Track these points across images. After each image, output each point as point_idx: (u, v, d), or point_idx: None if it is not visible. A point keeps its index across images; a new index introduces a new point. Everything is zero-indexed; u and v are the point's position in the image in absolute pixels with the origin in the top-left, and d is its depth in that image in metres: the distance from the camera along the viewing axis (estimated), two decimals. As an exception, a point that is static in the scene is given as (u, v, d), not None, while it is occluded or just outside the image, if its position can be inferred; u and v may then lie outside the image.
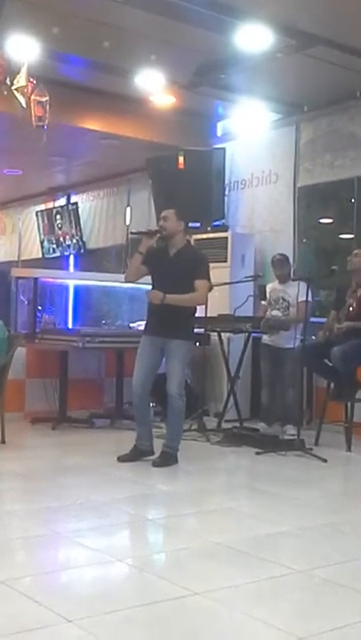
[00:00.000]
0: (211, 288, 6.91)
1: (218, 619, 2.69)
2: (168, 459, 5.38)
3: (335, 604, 2.89)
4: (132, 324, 7.80)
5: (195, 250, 5.75)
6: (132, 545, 3.86)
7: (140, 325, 7.44)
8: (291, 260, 7.29)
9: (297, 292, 6.57)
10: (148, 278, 5.55)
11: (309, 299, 6.50)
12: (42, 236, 12.31)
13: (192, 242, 8.18)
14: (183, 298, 5.34)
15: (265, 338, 6.92)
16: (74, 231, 11.54)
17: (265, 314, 6.91)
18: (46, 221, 12.18)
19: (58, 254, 12.01)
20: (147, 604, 2.80)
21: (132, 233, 7.50)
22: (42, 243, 12.34)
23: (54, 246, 12.09)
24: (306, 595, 2.99)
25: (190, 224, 8.57)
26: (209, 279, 5.51)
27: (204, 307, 6.81)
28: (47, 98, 6.27)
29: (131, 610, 2.73)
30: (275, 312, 6.86)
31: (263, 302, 7.09)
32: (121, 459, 5.41)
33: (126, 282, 5.84)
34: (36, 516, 4.03)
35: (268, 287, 7.12)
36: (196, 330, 6.95)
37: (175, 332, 5.33)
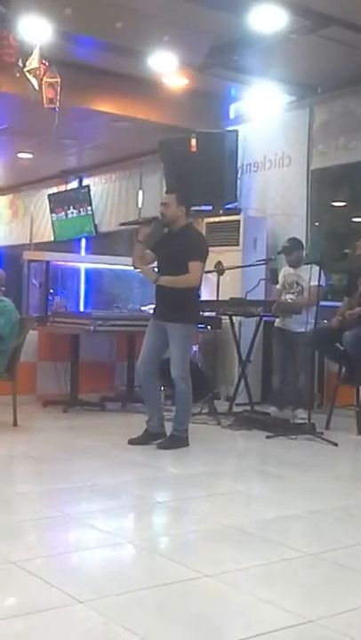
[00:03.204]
0: (222, 271, 6.93)
1: (227, 601, 2.70)
2: (174, 441, 5.39)
3: (345, 587, 2.89)
4: (143, 308, 7.80)
5: (193, 232, 5.64)
6: (142, 527, 3.87)
7: (152, 309, 7.46)
8: (303, 244, 7.25)
9: (310, 276, 6.54)
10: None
11: (322, 282, 6.48)
12: (54, 219, 12.30)
13: (203, 225, 8.20)
14: (175, 279, 5.32)
15: (278, 321, 6.90)
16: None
17: (279, 298, 6.89)
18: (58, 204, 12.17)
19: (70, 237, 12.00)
20: (157, 586, 2.82)
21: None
22: (53, 225, 12.34)
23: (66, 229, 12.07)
24: (316, 578, 3.00)
25: (202, 207, 8.59)
26: (203, 260, 5.41)
27: (215, 290, 6.83)
28: (58, 79, 6.24)
29: (141, 591, 2.74)
30: (289, 296, 6.84)
31: (277, 286, 7.06)
32: (132, 441, 5.42)
33: (134, 268, 5.81)
34: (47, 498, 4.06)
35: (282, 271, 7.09)
36: (206, 313, 6.99)
37: (174, 316, 5.33)
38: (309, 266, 6.52)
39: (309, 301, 6.49)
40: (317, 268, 6.33)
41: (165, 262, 5.46)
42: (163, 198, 5.53)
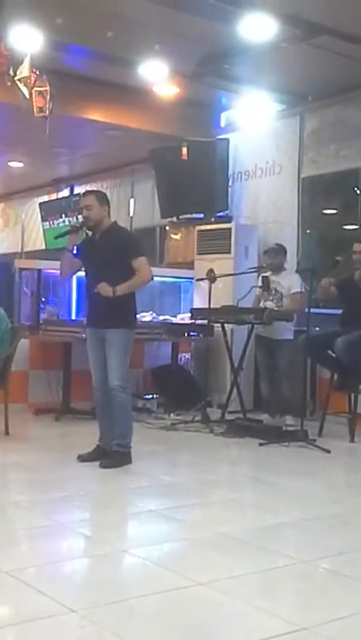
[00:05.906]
0: (214, 279, 6.92)
1: (221, 609, 2.69)
2: (119, 459, 5.02)
3: (339, 594, 2.89)
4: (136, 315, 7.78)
5: (121, 229, 5.39)
6: (135, 535, 3.86)
7: (144, 317, 7.45)
8: (293, 251, 7.28)
9: (290, 283, 6.61)
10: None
11: (302, 289, 6.53)
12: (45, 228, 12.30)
13: (195, 233, 8.20)
14: (133, 284, 5.07)
15: (259, 329, 6.90)
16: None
17: (258, 303, 6.92)
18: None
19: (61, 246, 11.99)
20: (150, 595, 2.81)
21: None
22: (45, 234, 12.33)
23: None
24: (310, 585, 3.00)
25: (194, 215, 8.60)
26: (144, 254, 5.16)
27: (207, 298, 6.83)
28: (47, 88, 6.26)
29: (134, 600, 2.73)
30: (268, 303, 6.85)
31: (256, 292, 7.05)
32: (82, 458, 5.10)
33: (62, 279, 5.60)
34: (39, 507, 4.04)
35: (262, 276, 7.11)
36: (198, 321, 6.95)
37: (113, 322, 5.05)
38: (290, 273, 6.58)
39: (296, 308, 6.52)
40: (297, 275, 6.37)
41: (99, 266, 5.11)
42: (83, 201, 5.19)
